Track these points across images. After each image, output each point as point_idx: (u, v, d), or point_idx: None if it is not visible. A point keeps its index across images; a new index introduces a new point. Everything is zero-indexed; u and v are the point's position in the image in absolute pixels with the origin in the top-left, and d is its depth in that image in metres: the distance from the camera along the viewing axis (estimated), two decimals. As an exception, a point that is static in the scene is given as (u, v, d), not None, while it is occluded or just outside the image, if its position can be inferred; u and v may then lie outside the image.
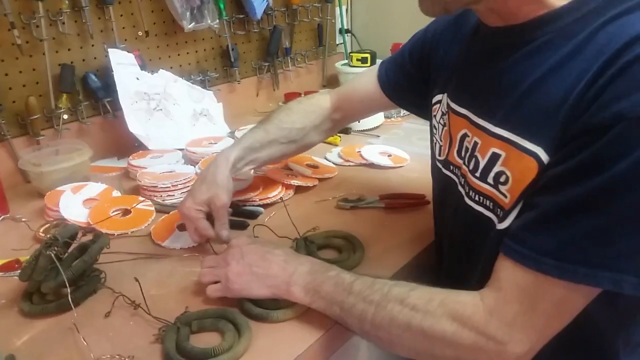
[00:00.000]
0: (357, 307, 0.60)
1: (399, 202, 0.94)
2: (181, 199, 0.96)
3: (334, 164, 1.14)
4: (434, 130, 0.76)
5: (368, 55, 1.63)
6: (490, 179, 0.59)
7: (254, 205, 0.95)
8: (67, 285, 0.62)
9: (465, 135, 0.65)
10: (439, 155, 0.74)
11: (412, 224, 0.88)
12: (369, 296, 0.59)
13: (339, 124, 0.98)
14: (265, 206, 0.95)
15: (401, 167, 1.12)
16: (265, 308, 0.66)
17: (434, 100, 0.76)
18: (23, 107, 1.07)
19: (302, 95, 1.58)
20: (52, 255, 0.62)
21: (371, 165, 1.13)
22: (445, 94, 0.71)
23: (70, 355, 0.61)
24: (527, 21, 0.57)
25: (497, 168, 0.58)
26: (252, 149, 0.86)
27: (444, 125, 0.71)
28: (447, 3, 0.57)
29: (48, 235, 0.66)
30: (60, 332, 0.65)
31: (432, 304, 0.56)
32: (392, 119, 1.41)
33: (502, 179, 0.57)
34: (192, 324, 0.62)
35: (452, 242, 0.72)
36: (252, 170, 0.98)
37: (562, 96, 0.50)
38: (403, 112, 1.41)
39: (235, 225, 0.89)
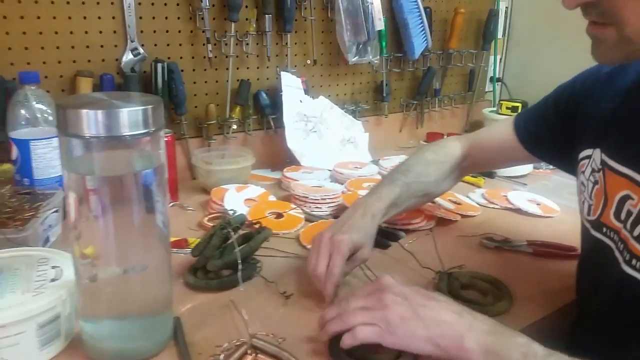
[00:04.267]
0: None
1: (549, 251, 0.90)
2: (328, 211, 1.03)
3: (477, 203, 1.13)
4: (582, 188, 0.71)
5: (519, 105, 1.60)
6: None
7: (395, 229, 0.97)
8: (240, 264, 0.68)
9: (627, 197, 0.60)
10: (588, 214, 0.68)
11: (560, 275, 0.84)
12: None
13: (466, 171, 0.96)
14: (406, 232, 0.97)
15: (551, 217, 1.07)
16: None
17: (581, 156, 0.71)
18: (202, 112, 1.22)
19: (444, 137, 1.61)
20: (230, 232, 0.69)
21: (517, 211, 1.10)
22: (599, 149, 0.66)
23: (227, 328, 0.67)
24: None
25: None
26: (395, 205, 0.83)
27: (594, 183, 0.67)
28: (632, 52, 0.53)
29: (224, 219, 0.74)
30: (219, 307, 0.71)
31: None
32: (541, 169, 1.36)
33: None
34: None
35: (601, 310, 0.66)
36: None
37: None
38: (553, 164, 1.36)
39: (378, 244, 0.91)
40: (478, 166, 0.97)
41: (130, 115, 0.53)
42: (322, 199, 1.04)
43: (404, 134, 1.65)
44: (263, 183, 1.20)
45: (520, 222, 1.05)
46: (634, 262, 0.58)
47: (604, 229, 0.64)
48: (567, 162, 0.78)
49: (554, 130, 0.79)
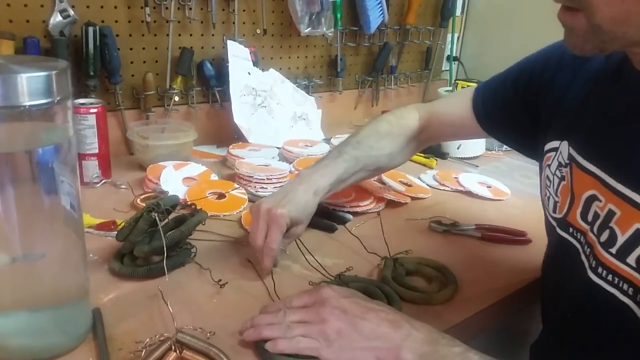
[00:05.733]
0: None
1: (498, 236, 0.88)
2: (273, 192, 0.97)
3: (428, 185, 1.10)
4: (547, 182, 0.66)
5: (475, 85, 1.58)
6: (631, 260, 0.50)
7: (343, 211, 0.93)
8: (165, 251, 0.62)
9: (593, 198, 0.56)
10: (554, 212, 0.64)
11: (509, 260, 0.82)
12: None
13: (424, 144, 0.92)
14: (354, 214, 0.93)
15: (501, 200, 1.05)
16: None
17: (547, 148, 0.66)
18: (140, 82, 1.12)
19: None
20: (156, 218, 0.62)
21: (468, 193, 1.07)
22: (566, 142, 0.61)
23: (153, 320, 0.61)
24: None
25: None
26: (342, 180, 0.80)
27: (560, 179, 0.62)
28: (603, 42, 0.49)
29: (151, 201, 0.67)
30: (145, 297, 0.65)
31: None
32: (494, 151, 1.34)
33: None
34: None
35: (564, 315, 0.63)
36: None
37: None
38: (505, 146, 1.35)
39: (324, 227, 0.87)
40: (436, 139, 0.94)
41: (30, 82, 0.46)
42: (267, 178, 0.98)
43: (358, 111, 1.60)
44: (207, 160, 1.13)
45: (470, 205, 1.03)
46: (599, 270, 0.54)
47: (571, 229, 0.60)
48: (527, 148, 0.74)
49: (514, 117, 0.75)
